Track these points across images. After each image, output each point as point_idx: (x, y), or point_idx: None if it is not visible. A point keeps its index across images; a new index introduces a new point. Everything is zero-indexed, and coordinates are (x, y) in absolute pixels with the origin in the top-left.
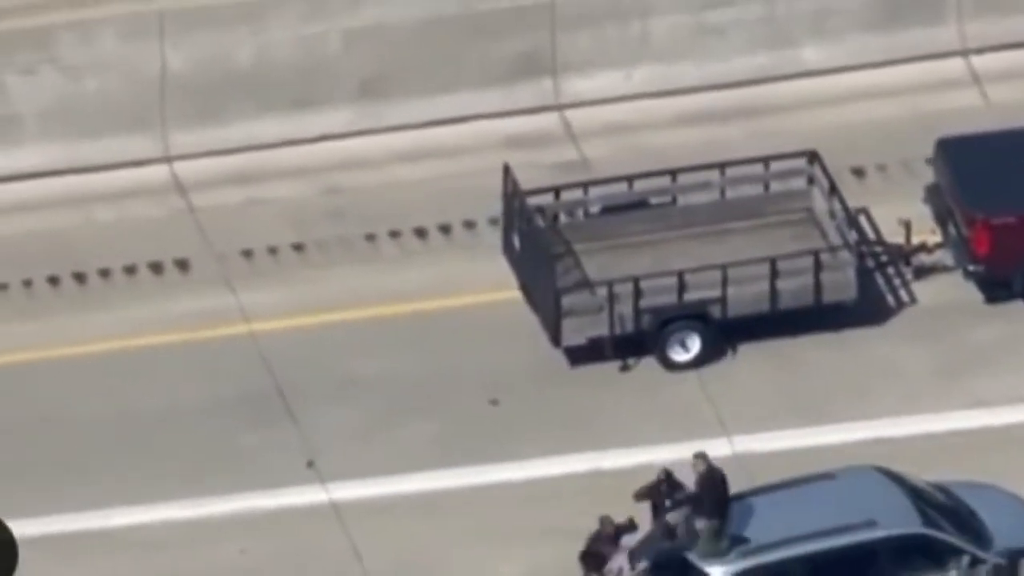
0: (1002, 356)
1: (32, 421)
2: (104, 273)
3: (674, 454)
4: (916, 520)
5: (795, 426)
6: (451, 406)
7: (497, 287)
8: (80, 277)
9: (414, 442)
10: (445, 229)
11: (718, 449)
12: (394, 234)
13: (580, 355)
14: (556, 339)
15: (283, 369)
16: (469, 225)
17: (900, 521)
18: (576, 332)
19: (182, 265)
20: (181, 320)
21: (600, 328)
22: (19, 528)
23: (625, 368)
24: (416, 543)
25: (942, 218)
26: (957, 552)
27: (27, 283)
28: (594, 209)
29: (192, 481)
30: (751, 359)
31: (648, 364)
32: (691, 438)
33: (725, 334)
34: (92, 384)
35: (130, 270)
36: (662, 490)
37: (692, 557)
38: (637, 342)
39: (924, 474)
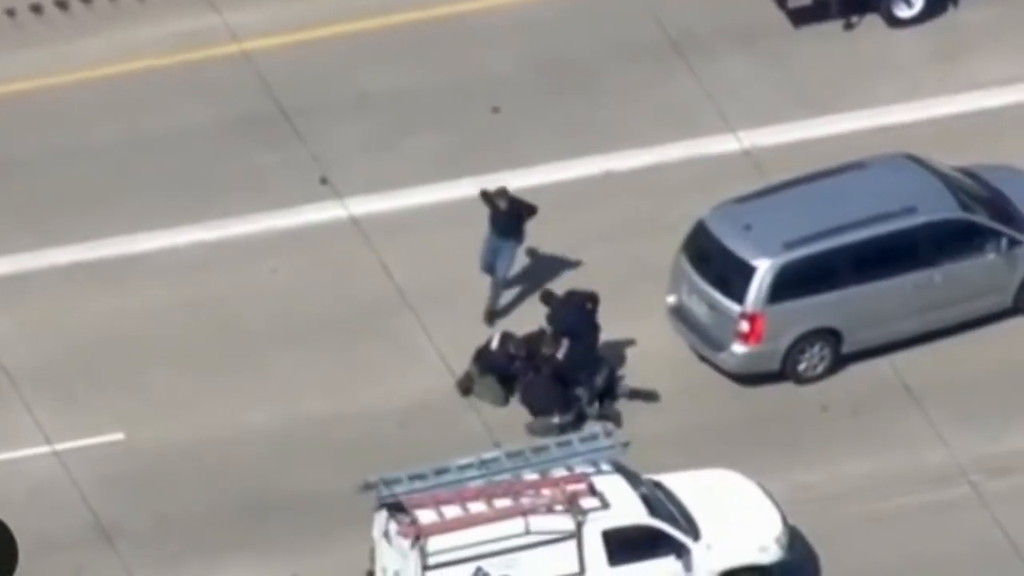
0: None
1: (44, 151)
2: None
3: (682, 152)
4: (953, 205)
5: (799, 118)
6: (455, 116)
7: None
8: (62, 4)
9: (423, 154)
10: None
11: (725, 145)
12: None
13: (805, 15)
14: None
15: (283, 87)
16: None
17: (938, 207)
18: None
19: None
20: (173, 42)
21: None
22: (51, 257)
23: (849, 26)
24: (439, 256)
25: None
26: (995, 235)
27: (10, 12)
28: None
29: (211, 203)
30: (743, 58)
31: (629, 66)
32: (697, 135)
33: None
34: (96, 110)
35: None
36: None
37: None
38: (861, 0)
39: (936, 159)
